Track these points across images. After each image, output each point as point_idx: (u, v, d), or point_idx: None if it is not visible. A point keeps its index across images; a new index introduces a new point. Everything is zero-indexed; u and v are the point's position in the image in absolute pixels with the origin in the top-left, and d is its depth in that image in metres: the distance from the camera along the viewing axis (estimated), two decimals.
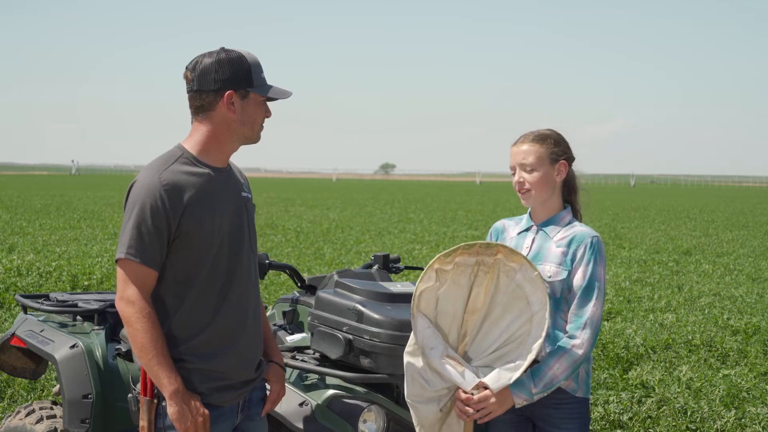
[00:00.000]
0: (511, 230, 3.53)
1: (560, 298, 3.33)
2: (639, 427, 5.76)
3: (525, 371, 3.23)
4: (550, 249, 3.37)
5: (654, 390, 6.12)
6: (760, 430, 5.55)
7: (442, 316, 3.25)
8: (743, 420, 5.64)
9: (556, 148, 3.41)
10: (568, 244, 3.35)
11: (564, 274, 3.32)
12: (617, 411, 5.86)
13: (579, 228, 3.38)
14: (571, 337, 3.27)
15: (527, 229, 3.47)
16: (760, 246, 18.11)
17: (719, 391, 6.01)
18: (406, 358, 3.31)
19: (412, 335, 3.28)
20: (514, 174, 3.44)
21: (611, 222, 25.56)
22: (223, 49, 2.98)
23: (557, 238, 3.38)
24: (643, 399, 6.01)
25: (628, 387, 6.22)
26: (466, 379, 3.19)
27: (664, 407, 5.85)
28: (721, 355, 7.47)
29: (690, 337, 7.81)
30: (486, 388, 3.20)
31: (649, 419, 5.82)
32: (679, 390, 6.08)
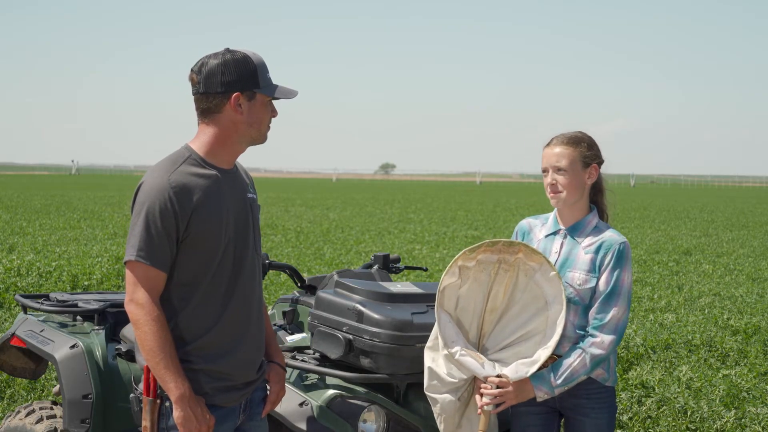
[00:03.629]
0: (538, 231, 3.54)
1: (590, 305, 3.37)
2: (639, 427, 5.76)
3: (542, 366, 3.29)
4: (578, 255, 3.39)
5: (654, 390, 6.12)
6: (760, 430, 5.55)
7: (463, 313, 3.33)
8: (743, 420, 5.64)
9: (588, 152, 3.44)
10: (597, 251, 3.38)
11: (593, 282, 3.35)
12: (617, 411, 5.86)
13: (607, 233, 3.42)
14: (591, 335, 3.31)
15: (555, 233, 3.48)
16: (760, 246, 18.11)
17: (719, 391, 6.01)
18: (426, 353, 3.39)
19: (433, 330, 3.35)
20: (546, 175, 3.45)
21: (611, 222, 25.53)
22: (228, 50, 2.97)
23: (585, 244, 3.41)
24: (643, 399, 6.02)
25: (628, 387, 6.22)
26: (486, 370, 3.25)
27: (664, 407, 5.86)
28: (721, 355, 7.47)
29: (690, 337, 7.81)
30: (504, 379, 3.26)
31: (649, 419, 5.82)
32: (679, 390, 6.08)
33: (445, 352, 3.28)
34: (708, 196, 60.63)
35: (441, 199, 44.20)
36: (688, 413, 5.75)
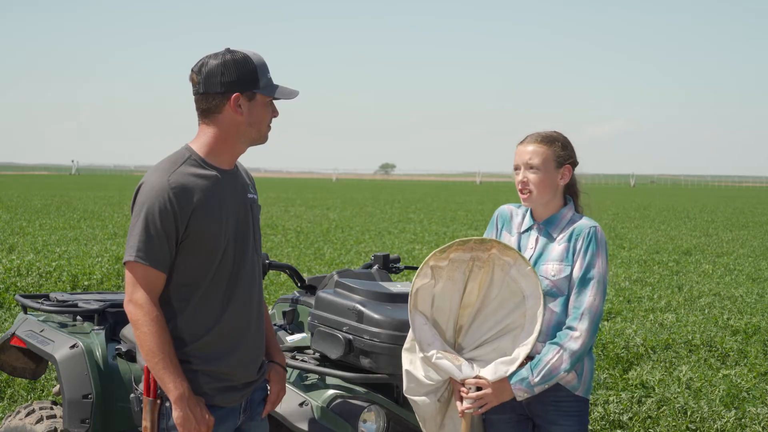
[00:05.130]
0: (517, 220, 3.48)
1: (569, 295, 3.32)
2: (639, 427, 5.76)
3: (522, 364, 3.24)
4: (553, 248, 3.35)
5: (654, 390, 6.12)
6: (760, 430, 5.55)
7: (439, 312, 3.28)
8: (743, 420, 5.64)
9: (562, 152, 3.39)
10: (569, 239, 3.34)
11: (567, 271, 3.30)
12: (617, 411, 5.86)
13: (578, 221, 3.37)
14: (570, 328, 3.26)
15: (530, 228, 3.44)
16: (760, 246, 18.11)
17: (719, 391, 6.02)
18: (404, 355, 3.35)
19: (410, 331, 3.30)
20: (517, 173, 3.41)
21: (611, 222, 25.55)
22: (228, 50, 2.97)
23: (559, 237, 3.37)
24: (643, 399, 6.02)
25: (628, 387, 6.22)
26: (463, 372, 3.21)
27: (664, 407, 5.85)
28: (721, 355, 7.47)
29: (690, 337, 7.81)
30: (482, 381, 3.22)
31: (649, 419, 5.82)
32: (679, 390, 6.08)
33: (421, 355, 3.25)
34: (708, 196, 60.62)
35: (441, 199, 44.19)
36: (688, 413, 5.75)
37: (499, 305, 3.27)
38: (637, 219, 27.98)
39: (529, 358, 3.28)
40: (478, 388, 3.23)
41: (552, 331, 3.30)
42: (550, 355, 3.23)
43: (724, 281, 12.22)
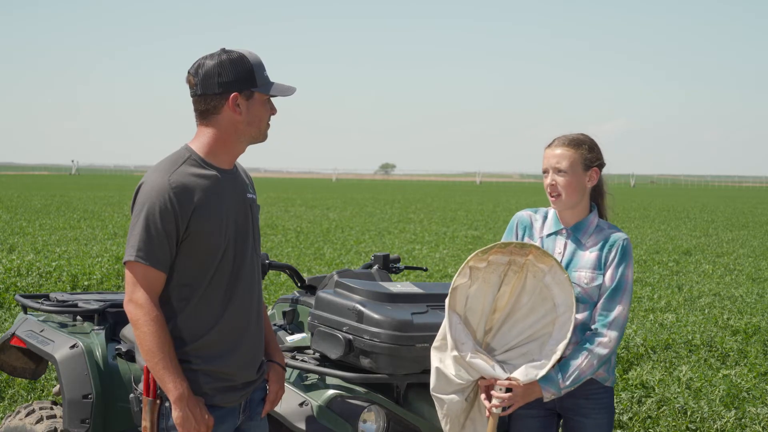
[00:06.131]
0: (537, 226, 3.52)
1: (596, 302, 3.39)
2: (639, 427, 5.76)
3: (551, 368, 3.29)
4: (583, 255, 3.41)
5: (654, 390, 6.12)
6: (760, 430, 5.55)
7: (471, 313, 3.32)
8: (743, 420, 5.65)
9: (589, 155, 3.43)
10: (601, 248, 3.39)
11: (600, 279, 3.37)
12: (617, 411, 5.87)
13: (610, 231, 3.43)
14: (598, 334, 3.32)
15: (556, 233, 3.47)
16: (760, 246, 18.11)
17: (719, 391, 6.02)
18: (433, 353, 3.38)
19: (440, 330, 3.34)
20: (546, 176, 3.44)
21: (611, 222, 25.53)
22: (223, 50, 2.97)
23: (589, 243, 3.42)
24: (643, 399, 6.02)
25: (628, 387, 6.23)
26: (497, 372, 3.25)
27: (664, 407, 5.86)
28: (721, 355, 7.47)
29: (690, 337, 7.82)
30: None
31: (649, 419, 5.82)
32: (679, 390, 6.09)
33: (455, 353, 3.26)
34: (708, 196, 60.62)
35: (441, 199, 44.18)
36: (688, 413, 5.75)
37: (529, 311, 3.31)
38: (637, 219, 27.98)
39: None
40: (507, 389, 3.26)
41: (578, 335, 3.36)
42: (579, 360, 3.30)
43: (724, 281, 12.22)
